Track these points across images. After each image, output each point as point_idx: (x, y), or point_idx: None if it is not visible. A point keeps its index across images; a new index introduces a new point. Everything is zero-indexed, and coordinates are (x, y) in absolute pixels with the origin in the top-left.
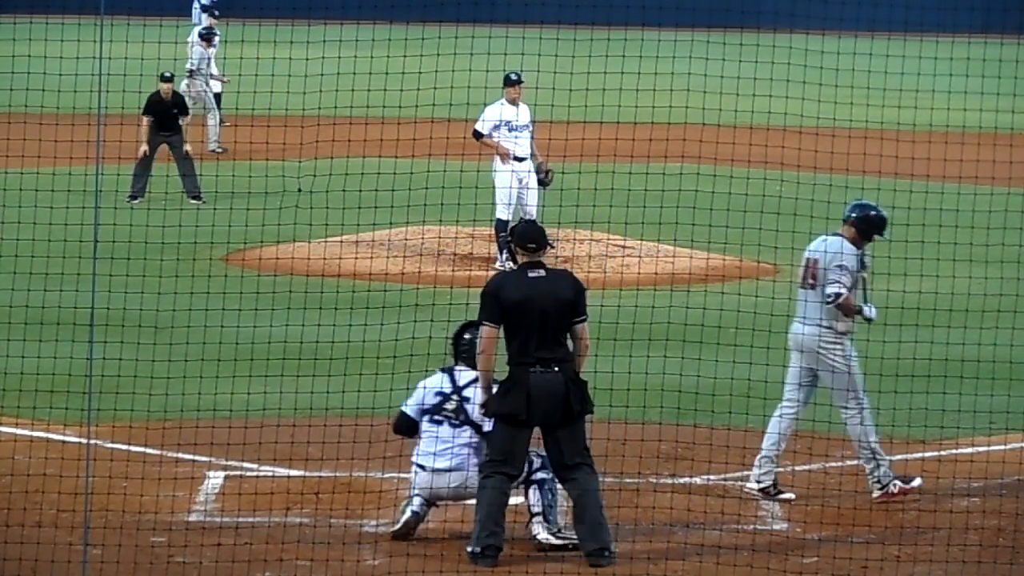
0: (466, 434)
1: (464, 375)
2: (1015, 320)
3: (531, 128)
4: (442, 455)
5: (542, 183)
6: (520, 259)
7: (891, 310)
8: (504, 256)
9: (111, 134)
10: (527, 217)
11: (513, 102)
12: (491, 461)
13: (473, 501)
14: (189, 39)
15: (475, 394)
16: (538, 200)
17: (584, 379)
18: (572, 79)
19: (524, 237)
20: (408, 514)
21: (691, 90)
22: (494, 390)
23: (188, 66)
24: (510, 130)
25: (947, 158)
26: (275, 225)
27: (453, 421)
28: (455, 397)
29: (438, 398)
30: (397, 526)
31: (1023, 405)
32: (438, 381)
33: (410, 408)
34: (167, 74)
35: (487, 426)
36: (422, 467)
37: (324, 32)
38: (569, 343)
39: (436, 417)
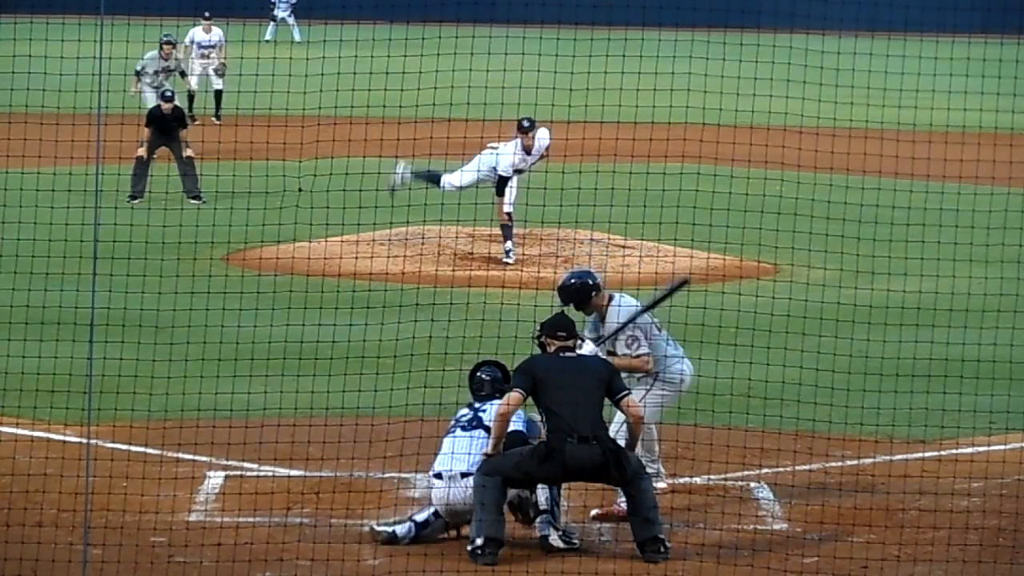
0: (480, 438)
1: (478, 404)
2: (1015, 320)
3: (543, 154)
4: (458, 459)
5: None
6: (550, 349)
7: (891, 310)
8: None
9: (111, 134)
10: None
11: (527, 149)
12: (497, 471)
13: (548, 499)
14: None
15: (491, 409)
16: (514, 198)
17: (622, 447)
18: (572, 79)
19: (555, 327)
20: (387, 531)
21: (691, 90)
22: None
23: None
24: (516, 173)
25: (947, 158)
26: (275, 225)
27: (467, 427)
28: (471, 412)
29: (455, 419)
30: (377, 528)
31: (1023, 405)
32: (460, 411)
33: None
34: (168, 94)
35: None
36: (439, 476)
37: (324, 32)
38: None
39: (452, 430)
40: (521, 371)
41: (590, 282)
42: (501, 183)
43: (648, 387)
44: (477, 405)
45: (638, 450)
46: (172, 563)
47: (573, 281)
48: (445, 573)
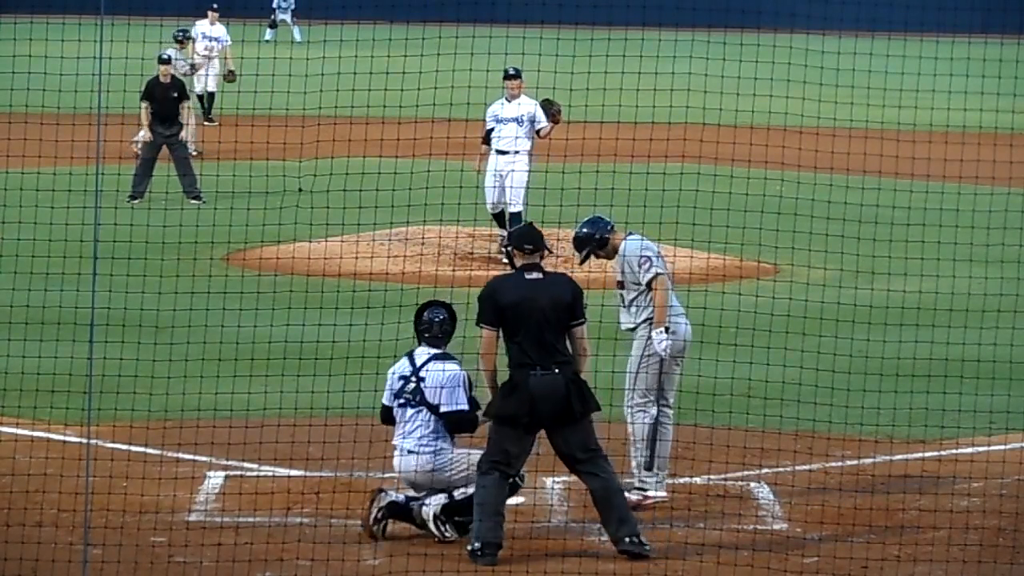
0: (423, 415)
1: (421, 355)
2: (1015, 320)
3: (525, 121)
4: (408, 437)
5: (553, 119)
6: (517, 262)
7: (891, 310)
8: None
9: (111, 134)
10: (510, 210)
11: (510, 98)
12: (489, 461)
13: (462, 493)
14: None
15: (430, 377)
16: (522, 198)
17: (584, 379)
18: (572, 79)
19: (522, 239)
20: (376, 508)
21: (691, 90)
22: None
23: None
24: (497, 122)
25: (947, 158)
26: (275, 225)
27: (412, 403)
28: (413, 379)
29: (401, 381)
30: (380, 503)
31: (1023, 405)
32: (401, 364)
33: (385, 397)
34: (164, 55)
35: (444, 407)
36: (396, 448)
37: (325, 32)
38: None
39: (400, 400)
40: (485, 302)
41: (603, 227)
42: (487, 135)
43: (647, 335)
44: (418, 362)
45: (640, 452)
46: (172, 563)
47: (585, 230)
48: (445, 573)
